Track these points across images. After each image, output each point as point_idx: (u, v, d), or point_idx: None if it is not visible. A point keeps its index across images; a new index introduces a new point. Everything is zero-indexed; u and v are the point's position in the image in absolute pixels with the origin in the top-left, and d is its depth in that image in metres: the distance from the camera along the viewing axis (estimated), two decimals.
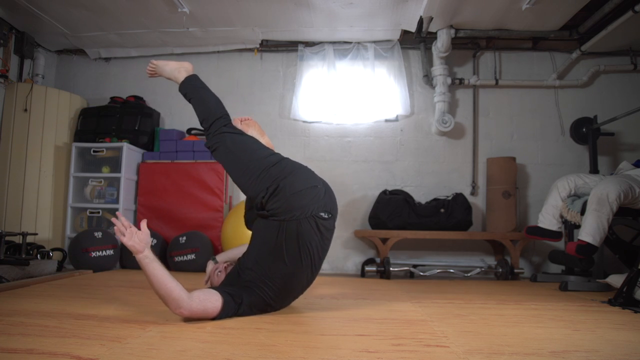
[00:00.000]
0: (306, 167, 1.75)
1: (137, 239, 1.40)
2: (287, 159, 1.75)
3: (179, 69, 1.96)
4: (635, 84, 3.78)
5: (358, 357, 1.13)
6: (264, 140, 1.97)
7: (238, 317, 1.58)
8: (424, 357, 1.15)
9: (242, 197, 3.89)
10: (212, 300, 1.46)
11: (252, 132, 1.97)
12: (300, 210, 1.55)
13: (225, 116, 1.84)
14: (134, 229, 1.42)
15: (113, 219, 1.48)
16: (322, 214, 1.59)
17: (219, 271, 1.84)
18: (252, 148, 1.75)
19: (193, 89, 1.90)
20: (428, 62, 3.82)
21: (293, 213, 1.54)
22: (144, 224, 1.45)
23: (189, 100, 1.91)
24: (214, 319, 1.48)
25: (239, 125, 1.96)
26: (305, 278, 1.65)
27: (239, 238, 3.17)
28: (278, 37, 3.91)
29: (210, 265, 1.91)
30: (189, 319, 1.49)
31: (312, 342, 1.27)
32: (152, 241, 3.31)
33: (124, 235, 1.39)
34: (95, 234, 3.17)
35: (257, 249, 1.64)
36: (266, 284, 1.57)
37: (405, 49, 3.92)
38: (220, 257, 1.96)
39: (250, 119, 2.04)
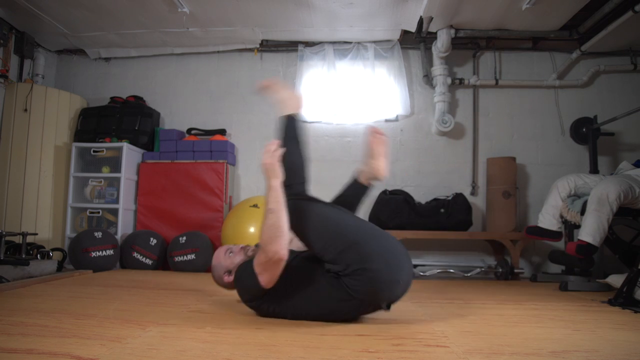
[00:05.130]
0: (395, 244, 1.54)
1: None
2: (377, 232, 1.57)
3: (285, 103, 1.80)
4: (635, 84, 3.78)
5: (358, 357, 1.13)
6: (385, 165, 1.77)
7: (238, 317, 1.59)
8: (424, 357, 1.15)
9: (243, 196, 3.89)
10: None
11: (382, 149, 1.77)
12: (370, 297, 1.46)
13: (303, 181, 1.68)
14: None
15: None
16: (384, 305, 1.50)
17: (232, 252, 1.69)
18: (336, 219, 1.56)
19: (284, 135, 1.75)
20: (428, 62, 3.82)
21: (362, 295, 1.44)
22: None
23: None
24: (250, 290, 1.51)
25: (372, 136, 1.80)
26: (310, 318, 1.57)
27: (239, 238, 3.17)
28: (278, 37, 3.91)
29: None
30: (188, 320, 1.48)
31: (312, 342, 1.27)
32: (152, 241, 3.32)
33: (270, 155, 1.44)
34: (95, 234, 3.17)
35: (307, 276, 1.52)
36: (286, 302, 1.52)
37: (405, 49, 3.92)
38: None
39: (382, 134, 1.81)
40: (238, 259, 1.64)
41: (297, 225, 1.49)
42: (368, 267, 1.42)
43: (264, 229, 1.41)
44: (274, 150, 1.49)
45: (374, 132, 1.81)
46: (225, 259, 1.68)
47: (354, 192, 1.84)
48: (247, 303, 1.59)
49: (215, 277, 1.73)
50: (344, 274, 1.43)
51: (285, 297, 1.51)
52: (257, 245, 1.56)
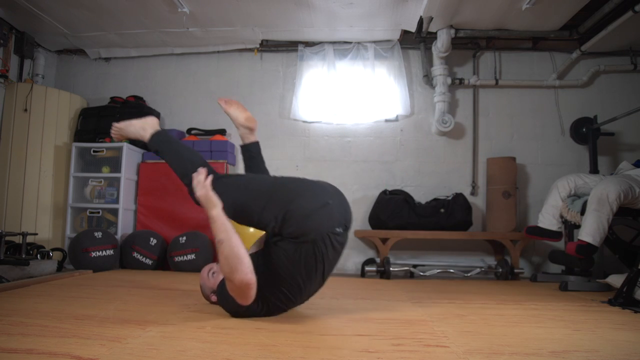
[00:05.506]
0: (313, 181, 1.65)
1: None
2: (290, 179, 1.67)
3: (144, 127, 1.90)
4: (635, 84, 3.78)
5: (358, 357, 1.13)
6: (245, 116, 1.92)
7: (237, 317, 1.59)
8: (424, 357, 1.15)
9: None
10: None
11: (234, 109, 1.94)
12: (315, 231, 1.48)
13: (205, 166, 1.73)
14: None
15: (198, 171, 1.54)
16: (337, 229, 1.52)
17: (214, 272, 1.74)
18: (245, 183, 1.67)
19: (163, 145, 1.84)
20: (428, 62, 3.82)
21: (308, 236, 1.47)
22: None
23: (162, 158, 1.84)
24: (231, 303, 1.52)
25: (223, 105, 1.95)
26: (312, 291, 1.63)
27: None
28: (278, 37, 3.91)
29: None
30: (188, 320, 1.48)
31: (312, 342, 1.27)
32: (152, 241, 3.32)
33: (202, 187, 1.46)
34: (95, 234, 3.17)
35: (269, 263, 1.54)
36: (273, 295, 1.53)
37: (405, 49, 3.92)
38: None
39: (230, 100, 1.99)
40: (220, 277, 1.66)
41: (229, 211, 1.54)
42: (289, 208, 1.49)
43: (222, 261, 1.41)
44: (204, 181, 1.49)
45: (221, 101, 1.96)
46: (208, 279, 1.72)
47: (248, 155, 1.98)
48: (241, 317, 1.59)
49: (204, 296, 1.79)
50: (279, 229, 1.48)
51: (269, 296, 1.52)
52: None
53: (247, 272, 1.38)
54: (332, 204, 1.53)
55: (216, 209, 1.44)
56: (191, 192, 1.68)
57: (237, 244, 1.40)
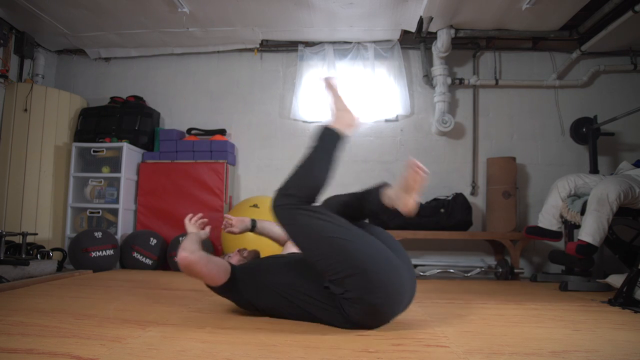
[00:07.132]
0: (407, 279, 1.43)
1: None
2: (392, 265, 1.40)
3: (342, 115, 1.64)
4: (635, 84, 3.78)
5: (358, 357, 1.13)
6: (413, 199, 1.52)
7: (238, 317, 1.59)
8: (424, 357, 1.15)
9: (243, 196, 3.89)
10: (221, 269, 1.51)
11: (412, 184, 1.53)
12: (364, 323, 1.41)
13: (314, 198, 1.54)
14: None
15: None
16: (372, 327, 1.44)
17: (228, 256, 1.80)
18: (345, 241, 1.39)
19: (321, 149, 1.61)
20: (428, 62, 3.82)
21: (356, 321, 1.39)
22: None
23: (309, 148, 1.61)
24: (211, 287, 1.55)
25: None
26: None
27: (239, 238, 3.16)
28: (278, 37, 3.91)
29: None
30: (188, 320, 1.47)
31: (312, 342, 1.27)
32: (152, 241, 3.33)
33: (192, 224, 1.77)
34: (95, 234, 3.17)
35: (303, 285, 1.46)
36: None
37: (405, 49, 3.92)
38: (260, 224, 1.94)
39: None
40: (235, 259, 1.78)
41: (303, 241, 1.42)
42: (368, 299, 1.34)
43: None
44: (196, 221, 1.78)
45: (415, 167, 1.47)
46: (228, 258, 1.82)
47: (372, 206, 1.65)
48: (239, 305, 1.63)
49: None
50: (342, 297, 1.36)
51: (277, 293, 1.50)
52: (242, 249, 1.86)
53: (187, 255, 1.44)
54: (395, 313, 1.45)
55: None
56: (280, 201, 1.49)
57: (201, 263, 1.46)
